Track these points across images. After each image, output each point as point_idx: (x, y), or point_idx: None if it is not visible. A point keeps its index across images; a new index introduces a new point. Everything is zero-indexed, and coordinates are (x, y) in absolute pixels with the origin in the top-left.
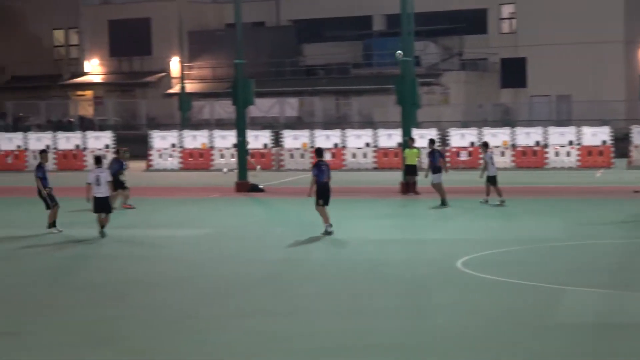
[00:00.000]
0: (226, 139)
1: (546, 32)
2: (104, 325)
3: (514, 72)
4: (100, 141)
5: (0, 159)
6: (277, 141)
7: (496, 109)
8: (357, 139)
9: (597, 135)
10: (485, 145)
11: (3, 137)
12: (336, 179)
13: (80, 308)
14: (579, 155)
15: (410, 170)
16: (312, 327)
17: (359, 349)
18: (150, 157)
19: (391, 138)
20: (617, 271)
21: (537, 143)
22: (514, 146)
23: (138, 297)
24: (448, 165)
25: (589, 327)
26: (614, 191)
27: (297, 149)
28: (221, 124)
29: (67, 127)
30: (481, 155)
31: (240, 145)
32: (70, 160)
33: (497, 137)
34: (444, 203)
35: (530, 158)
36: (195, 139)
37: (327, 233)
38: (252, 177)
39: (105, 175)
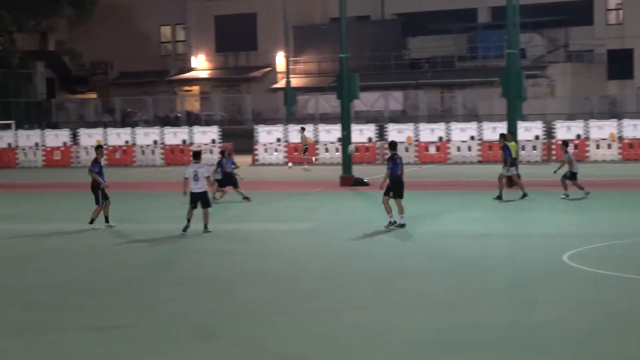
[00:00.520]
0: (331, 133)
1: None
2: (208, 319)
3: (620, 64)
4: (207, 136)
5: (108, 154)
6: (381, 135)
7: (603, 101)
8: (461, 132)
9: None
10: (565, 144)
11: (111, 133)
12: (440, 172)
13: (184, 302)
14: None
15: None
16: (412, 322)
17: (459, 344)
18: (256, 152)
19: (496, 131)
20: None
21: None
22: (620, 138)
23: (241, 291)
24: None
25: None
26: None
27: (402, 142)
28: (326, 118)
29: (174, 122)
30: (582, 150)
31: (345, 140)
32: (177, 155)
33: (603, 129)
34: (499, 197)
35: (638, 150)
36: (302, 133)
37: (392, 224)
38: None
39: (203, 171)
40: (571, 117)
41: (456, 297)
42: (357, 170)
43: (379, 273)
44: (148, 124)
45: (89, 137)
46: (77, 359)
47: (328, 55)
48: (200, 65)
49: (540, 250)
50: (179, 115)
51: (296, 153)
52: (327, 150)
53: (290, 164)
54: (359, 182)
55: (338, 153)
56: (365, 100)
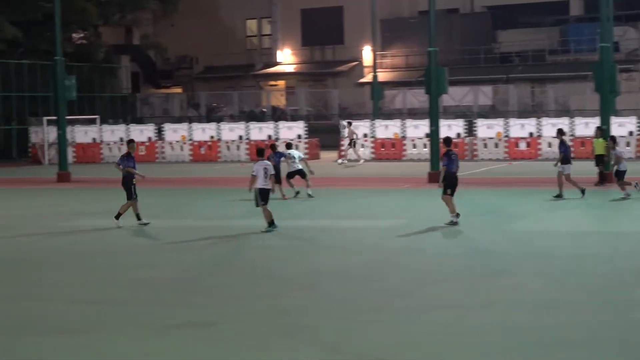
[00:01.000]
0: (418, 128)
1: None
2: (296, 316)
3: None
4: (293, 131)
5: (194, 149)
6: (470, 131)
7: None
8: (553, 128)
9: None
10: (613, 140)
11: (196, 128)
12: (531, 168)
13: (269, 298)
14: None
15: (599, 161)
16: (506, 321)
17: (553, 344)
18: (342, 148)
19: (588, 126)
20: None
21: None
22: None
23: (328, 289)
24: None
25: None
26: None
27: (491, 138)
28: (413, 114)
29: (260, 117)
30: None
31: (433, 135)
32: None
33: None
34: (559, 195)
35: None
36: (387, 129)
37: (452, 224)
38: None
39: (271, 168)
40: None
41: (550, 296)
42: None
43: (471, 271)
44: (233, 119)
45: (174, 132)
46: (165, 357)
47: (416, 49)
48: (286, 59)
49: (636, 250)
50: (264, 110)
51: (383, 149)
52: (414, 146)
53: (339, 161)
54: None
55: (426, 149)
56: (454, 95)
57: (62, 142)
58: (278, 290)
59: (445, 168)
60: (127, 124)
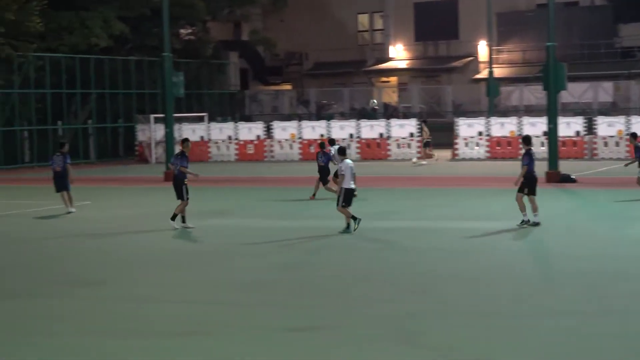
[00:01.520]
0: (536, 126)
1: None
2: (408, 320)
3: None
4: (405, 129)
5: (303, 148)
6: (590, 129)
7: None
8: None
9: None
10: (634, 136)
11: (306, 126)
12: None
13: (382, 302)
14: None
15: None
16: (626, 329)
17: None
18: (456, 146)
19: None
20: None
21: None
22: None
23: (440, 292)
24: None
25: None
26: None
27: (612, 136)
28: (530, 111)
29: (371, 114)
30: None
31: (551, 133)
32: (374, 149)
33: None
34: None
35: None
36: (503, 127)
37: (525, 223)
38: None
39: (354, 168)
40: None
41: None
42: (564, 166)
43: (590, 276)
44: (343, 116)
45: (283, 131)
46: None
47: (533, 44)
48: (399, 55)
49: None
50: (376, 107)
51: (498, 147)
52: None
53: (414, 159)
54: (566, 179)
55: (543, 147)
56: (573, 92)
57: (169, 141)
58: (390, 293)
59: (526, 167)
60: (236, 122)
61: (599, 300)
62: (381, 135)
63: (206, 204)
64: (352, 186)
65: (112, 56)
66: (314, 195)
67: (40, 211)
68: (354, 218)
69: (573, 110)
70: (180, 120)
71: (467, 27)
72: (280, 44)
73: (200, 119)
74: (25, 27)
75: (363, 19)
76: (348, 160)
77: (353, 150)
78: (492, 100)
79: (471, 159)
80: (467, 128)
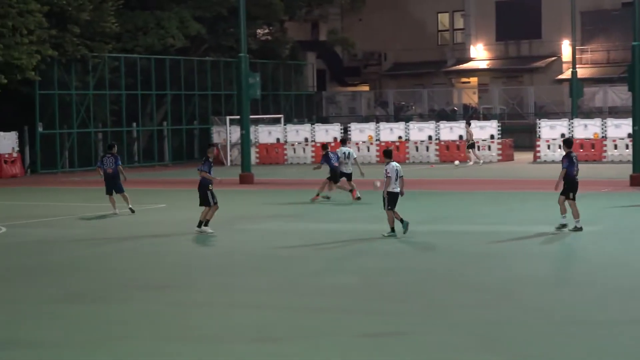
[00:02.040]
0: (620, 128)
1: None
2: (491, 328)
3: None
4: (485, 131)
5: (381, 150)
6: None
7: None
8: None
9: None
10: None
11: (384, 128)
12: None
13: (465, 308)
14: None
15: None
16: None
17: None
18: (538, 148)
19: None
20: None
21: None
22: None
23: (523, 298)
24: None
25: None
26: None
27: None
28: (615, 112)
29: (450, 116)
30: None
31: (636, 135)
32: (453, 151)
33: None
34: None
35: None
36: (586, 129)
37: (563, 227)
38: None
39: (401, 171)
40: None
41: None
42: None
43: None
44: (422, 118)
45: (361, 133)
46: None
47: (619, 43)
48: (479, 54)
49: None
50: (455, 108)
51: (581, 150)
52: (615, 147)
53: (457, 162)
54: None
55: (628, 150)
56: None
57: (245, 143)
58: (473, 299)
59: (565, 170)
60: (312, 124)
61: None
62: (461, 137)
63: (279, 208)
64: (397, 189)
65: (188, 57)
66: (317, 195)
67: (121, 213)
68: (402, 221)
69: None
70: (256, 122)
71: (550, 26)
72: (358, 44)
73: (276, 121)
74: (100, 28)
75: (443, 18)
76: (394, 163)
77: (432, 152)
78: (575, 101)
79: (553, 162)
80: (549, 130)
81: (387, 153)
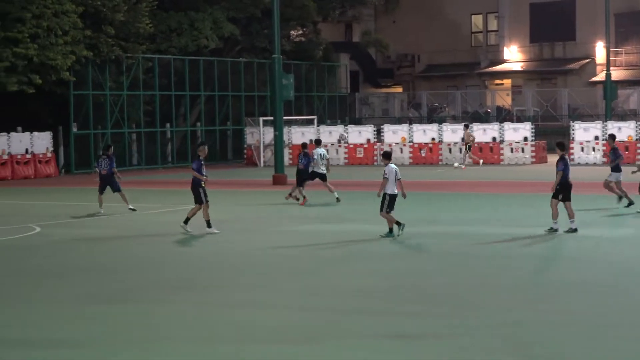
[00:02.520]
0: None
1: None
2: (523, 330)
3: None
4: (519, 133)
5: (414, 151)
6: None
7: None
8: None
9: None
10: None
11: (417, 129)
12: None
13: (498, 310)
14: None
15: None
16: None
17: None
18: (572, 151)
19: None
20: None
21: None
22: None
23: (557, 301)
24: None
25: None
26: None
27: None
28: None
29: (484, 118)
30: None
31: None
32: (487, 153)
33: None
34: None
35: None
36: (620, 131)
37: (554, 231)
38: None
39: (399, 173)
40: None
41: None
42: None
43: None
44: (456, 119)
45: (394, 134)
46: None
47: None
48: (513, 56)
49: None
50: (489, 110)
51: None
52: None
53: (456, 164)
54: None
55: None
56: None
57: (278, 144)
58: (508, 300)
59: (561, 173)
60: (345, 125)
61: None
62: (494, 139)
63: (315, 209)
64: (395, 192)
65: (222, 58)
66: (304, 199)
67: (153, 214)
68: (398, 223)
69: None
70: (290, 123)
71: (584, 28)
72: (391, 45)
73: (309, 122)
74: (134, 29)
75: (477, 20)
76: (392, 165)
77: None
78: (609, 103)
79: (587, 164)
80: (583, 132)
81: (386, 154)
